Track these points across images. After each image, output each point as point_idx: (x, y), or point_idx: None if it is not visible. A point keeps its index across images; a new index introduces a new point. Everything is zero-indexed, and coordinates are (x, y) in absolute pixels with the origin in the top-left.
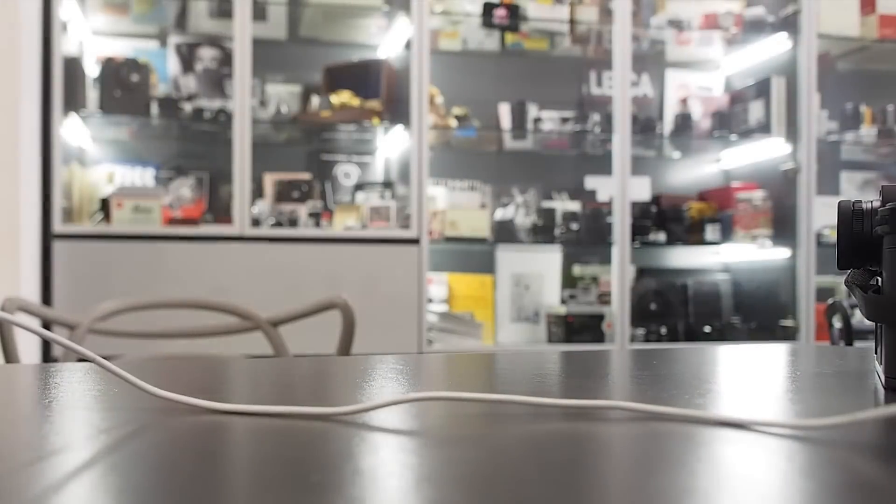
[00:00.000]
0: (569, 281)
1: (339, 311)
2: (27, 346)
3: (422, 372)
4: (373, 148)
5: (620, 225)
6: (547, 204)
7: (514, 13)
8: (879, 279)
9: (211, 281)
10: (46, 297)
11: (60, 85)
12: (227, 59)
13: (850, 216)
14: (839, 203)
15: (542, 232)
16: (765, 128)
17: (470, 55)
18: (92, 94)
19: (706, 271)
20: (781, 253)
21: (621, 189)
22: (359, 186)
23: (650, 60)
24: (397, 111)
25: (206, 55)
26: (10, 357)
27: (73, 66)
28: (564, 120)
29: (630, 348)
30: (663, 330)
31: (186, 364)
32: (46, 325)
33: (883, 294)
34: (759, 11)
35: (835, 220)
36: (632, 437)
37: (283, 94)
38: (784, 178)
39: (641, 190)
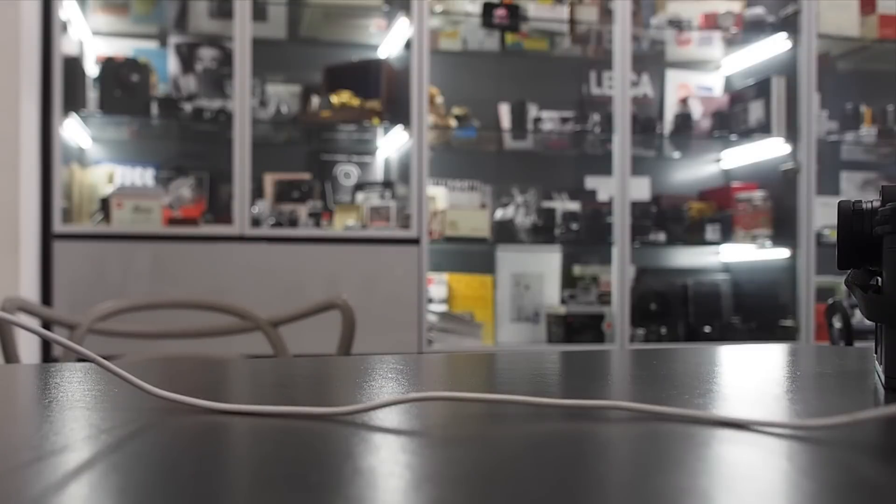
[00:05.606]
0: (569, 281)
1: (339, 312)
2: (27, 346)
3: (422, 372)
4: (373, 148)
5: (620, 225)
6: (547, 204)
7: (514, 13)
8: (879, 279)
9: (211, 281)
10: (46, 297)
11: (60, 85)
12: (227, 59)
13: (850, 216)
14: (839, 203)
15: (542, 232)
16: (765, 128)
17: (470, 55)
18: (92, 94)
19: (706, 271)
20: (781, 253)
21: (621, 189)
22: (359, 186)
23: (650, 60)
24: (397, 111)
25: (206, 55)
26: (10, 357)
27: (73, 66)
28: (564, 120)
29: (630, 348)
30: (663, 330)
31: (186, 364)
32: (46, 325)
33: (883, 294)
34: (759, 11)
35: (835, 220)
36: (632, 437)
37: (283, 94)
38: (784, 178)
39: (641, 190)
